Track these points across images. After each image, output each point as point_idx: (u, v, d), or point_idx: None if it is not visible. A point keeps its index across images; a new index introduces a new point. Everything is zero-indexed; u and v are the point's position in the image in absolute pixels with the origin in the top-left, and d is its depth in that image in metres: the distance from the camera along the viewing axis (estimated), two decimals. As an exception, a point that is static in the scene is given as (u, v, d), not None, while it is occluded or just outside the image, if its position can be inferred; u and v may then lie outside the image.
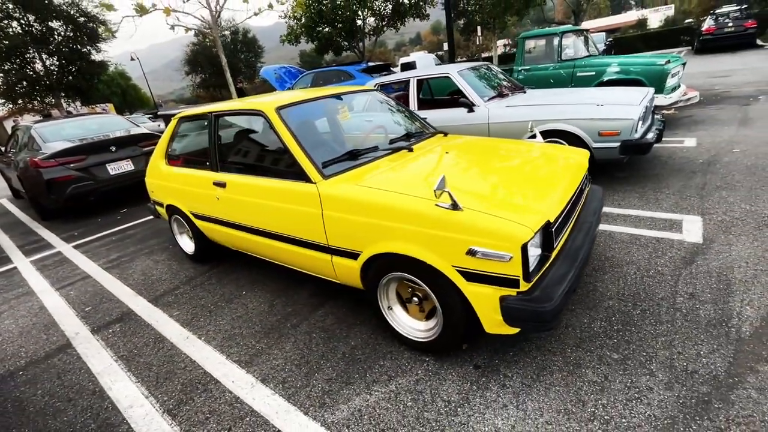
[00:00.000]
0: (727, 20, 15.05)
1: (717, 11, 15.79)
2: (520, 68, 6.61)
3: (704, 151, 4.44)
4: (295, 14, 14.87)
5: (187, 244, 3.49)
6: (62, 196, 5.11)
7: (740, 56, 13.28)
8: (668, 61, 5.34)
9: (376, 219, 1.80)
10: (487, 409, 1.59)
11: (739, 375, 1.58)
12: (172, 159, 3.24)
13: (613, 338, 1.87)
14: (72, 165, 5.20)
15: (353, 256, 1.99)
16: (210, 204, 2.79)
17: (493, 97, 4.37)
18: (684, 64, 6.10)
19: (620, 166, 4.14)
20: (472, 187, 1.86)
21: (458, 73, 4.45)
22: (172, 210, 3.33)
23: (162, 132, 6.13)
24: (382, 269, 1.90)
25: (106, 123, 6.57)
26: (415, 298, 1.92)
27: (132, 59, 37.45)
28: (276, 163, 2.41)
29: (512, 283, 1.52)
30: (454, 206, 1.59)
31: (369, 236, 1.86)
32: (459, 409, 1.61)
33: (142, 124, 10.22)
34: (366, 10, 14.96)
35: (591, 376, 1.68)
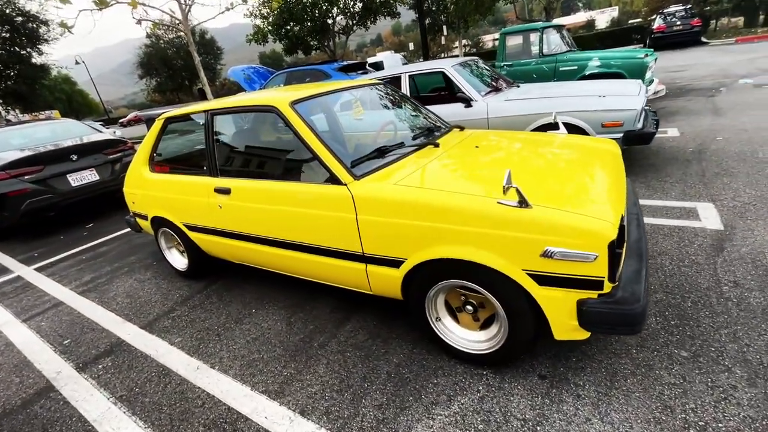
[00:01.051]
0: (674, 19, 16.07)
1: (665, 11, 16.83)
2: (502, 64, 6.62)
3: (690, 140, 4.59)
4: (262, 13, 14.31)
5: (178, 260, 3.13)
6: (16, 212, 4.52)
7: (689, 52, 14.21)
8: (647, 55, 5.50)
9: (427, 221, 1.61)
10: (570, 425, 1.44)
11: (816, 364, 1.53)
12: (158, 165, 2.88)
13: (674, 334, 1.78)
14: (27, 177, 4.61)
15: (394, 264, 1.79)
16: (209, 214, 2.49)
17: (489, 92, 4.29)
18: (656, 59, 6.34)
19: (617, 157, 4.18)
20: (525, 182, 1.71)
21: (452, 68, 4.33)
22: (159, 222, 2.97)
23: (118, 139, 5.61)
24: (433, 277, 1.71)
25: (62, 129, 5.94)
26: (469, 307, 1.75)
27: (77, 63, 34.90)
28: (293, 164, 2.16)
29: (594, 285, 1.38)
30: (522, 203, 1.43)
31: (416, 241, 1.66)
32: (539, 428, 1.45)
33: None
34: (336, 8, 14.64)
35: (668, 377, 1.57)
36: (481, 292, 1.62)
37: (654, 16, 18.18)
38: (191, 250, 2.85)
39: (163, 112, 2.86)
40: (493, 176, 1.75)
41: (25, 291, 3.39)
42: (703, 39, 16.29)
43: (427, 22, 21.94)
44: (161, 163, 2.89)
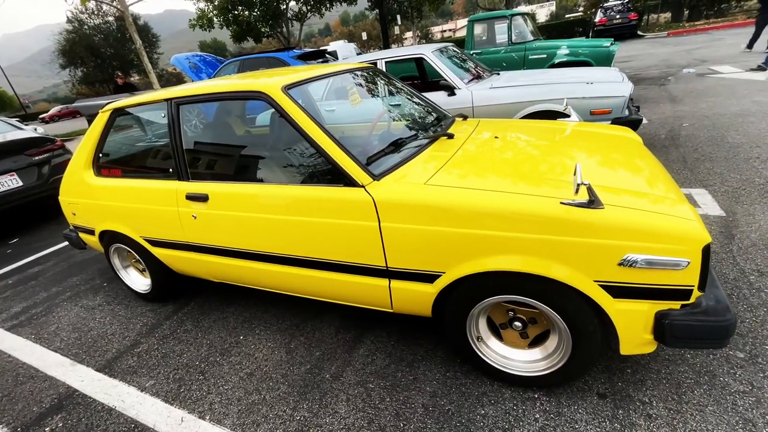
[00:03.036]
0: (614, 13, 17.01)
1: (605, 5, 17.76)
2: (471, 52, 6.49)
3: (659, 126, 4.72)
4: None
5: (138, 281, 2.62)
6: None
7: (629, 44, 15.10)
8: (612, 44, 5.61)
9: (473, 228, 1.34)
10: (653, 455, 1.26)
11: None
12: (105, 167, 2.35)
13: (722, 333, 1.67)
14: (-77, 186, 3.74)
15: (427, 278, 1.51)
16: (179, 225, 2.04)
17: (472, 80, 4.10)
18: (617, 48, 6.52)
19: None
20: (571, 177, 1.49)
21: (433, 54, 4.08)
22: (110, 237, 2.45)
23: (45, 137, 4.77)
24: (478, 293, 1.45)
25: (-32, 127, 4.94)
26: (518, 323, 1.52)
27: (-18, 50, 30.53)
28: (291, 162, 1.79)
29: (681, 295, 1.20)
30: (593, 203, 1.20)
31: (457, 252, 1.40)
32: (619, 462, 1.26)
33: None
34: (287, -8, 13.80)
35: (735, 385, 1.45)
36: (538, 308, 1.39)
37: (594, 10, 19.17)
38: (155, 268, 2.38)
39: (107, 102, 2.32)
40: (540, 171, 1.51)
41: (-68, 331, 2.69)
42: (639, 32, 17.42)
43: (376, 12, 21.60)
44: (110, 164, 2.36)
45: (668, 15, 22.22)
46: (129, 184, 2.21)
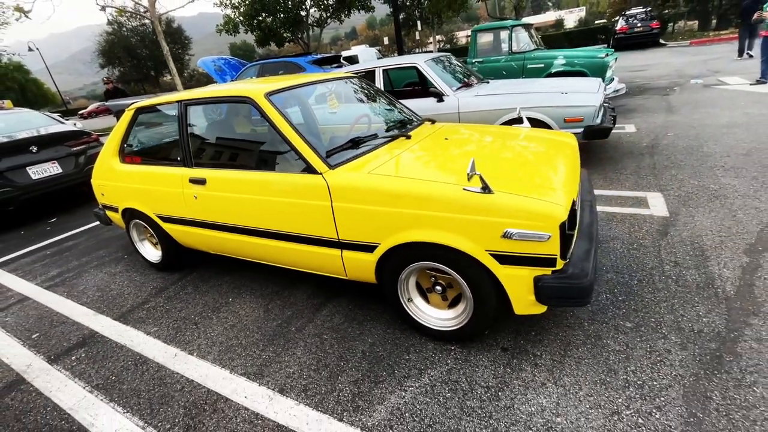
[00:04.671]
0: (635, 21, 16.88)
1: (627, 12, 17.63)
2: (473, 60, 6.81)
3: (644, 135, 4.92)
4: (233, 2, 13.91)
5: (151, 252, 3.11)
6: (-28, 206, 4.30)
7: (649, 53, 14.98)
8: (607, 54, 5.82)
9: (399, 208, 1.71)
10: (528, 390, 1.60)
11: (737, 330, 1.75)
12: (128, 156, 2.84)
13: (621, 309, 1.98)
14: (-18, 170, 4.39)
15: (368, 249, 1.88)
16: (183, 204, 2.50)
17: (460, 87, 4.44)
18: (616, 58, 6.70)
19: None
20: (489, 171, 1.84)
21: (425, 63, 4.45)
22: (130, 214, 2.94)
23: (82, 131, 5.39)
24: (404, 260, 1.82)
25: (17, 120, 5.61)
26: (438, 287, 1.87)
27: (30, 49, 32.72)
28: (269, 154, 2.21)
29: (548, 262, 1.53)
30: (485, 189, 1.55)
31: (389, 226, 1.77)
32: (500, 393, 1.60)
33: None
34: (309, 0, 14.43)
35: (613, 345, 1.76)
36: (449, 273, 1.74)
37: (617, 18, 19.01)
38: (165, 241, 2.85)
39: (132, 103, 2.82)
40: (461, 166, 1.87)
41: (-14, 287, 3.26)
42: (662, 41, 17.19)
43: (401, 17, 22.05)
44: (132, 154, 2.85)
45: (695, 23, 21.73)
46: (146, 169, 2.69)
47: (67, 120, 7.14)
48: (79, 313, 2.65)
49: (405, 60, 4.73)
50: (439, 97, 4.26)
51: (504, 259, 1.58)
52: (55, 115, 6.48)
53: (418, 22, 20.06)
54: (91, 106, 36.44)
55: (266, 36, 14.34)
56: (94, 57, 36.12)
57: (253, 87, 2.21)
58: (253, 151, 2.32)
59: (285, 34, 15.06)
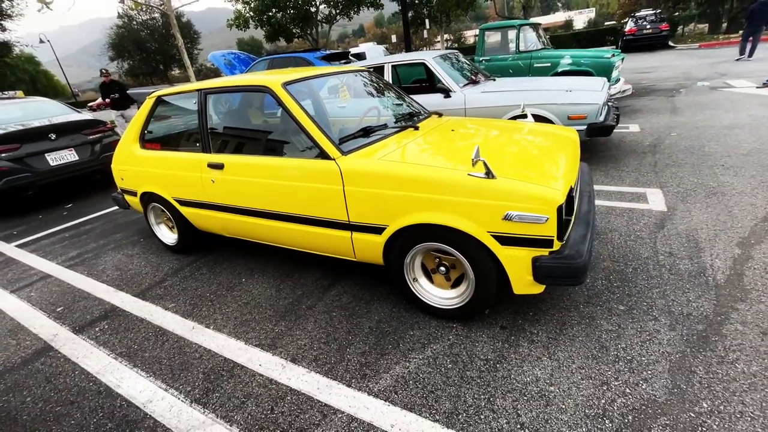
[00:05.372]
0: (645, 23, 16.83)
1: (636, 14, 17.57)
2: (481, 58, 6.89)
3: (648, 134, 4.99)
4: (244, -2, 14.09)
5: (167, 235, 3.25)
6: (-7, 190, 4.47)
7: (657, 55, 14.95)
8: (613, 55, 5.89)
9: (407, 191, 1.83)
10: (524, 362, 1.71)
11: (724, 313, 1.85)
12: (148, 142, 2.98)
13: (615, 293, 2.09)
14: (3, 155, 4.55)
15: (377, 230, 2.00)
16: (201, 188, 2.63)
17: (467, 84, 4.54)
18: (623, 59, 6.76)
19: (582, 147, 4.53)
20: (493, 159, 1.95)
21: (433, 60, 4.55)
22: (148, 198, 3.07)
23: (98, 120, 5.54)
24: (410, 241, 1.94)
25: (34, 108, 5.78)
26: (442, 268, 1.99)
27: (41, 41, 33.05)
28: (285, 140, 2.34)
29: (546, 243, 1.64)
30: (489, 174, 1.67)
31: (397, 209, 1.89)
32: (498, 365, 1.71)
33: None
34: (319, -4, 14.58)
35: (606, 325, 1.87)
36: (453, 254, 1.86)
37: (626, 19, 18.96)
38: (181, 224, 2.98)
39: (152, 91, 2.95)
40: (466, 155, 1.98)
41: (9, 266, 3.42)
42: (671, 43, 17.13)
43: (409, 15, 22.09)
44: (152, 140, 2.99)
45: (705, 26, 21.60)
46: (166, 154, 2.82)
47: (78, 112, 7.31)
48: (100, 290, 2.80)
49: (413, 56, 4.84)
50: (446, 93, 4.37)
51: (505, 240, 1.69)
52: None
53: (427, 21, 20.10)
54: (99, 100, 36.82)
55: (276, 31, 14.48)
56: (104, 50, 36.44)
57: (271, 77, 2.33)
58: (268, 138, 2.45)
59: (294, 30, 15.21)
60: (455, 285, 2.01)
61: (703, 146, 4.27)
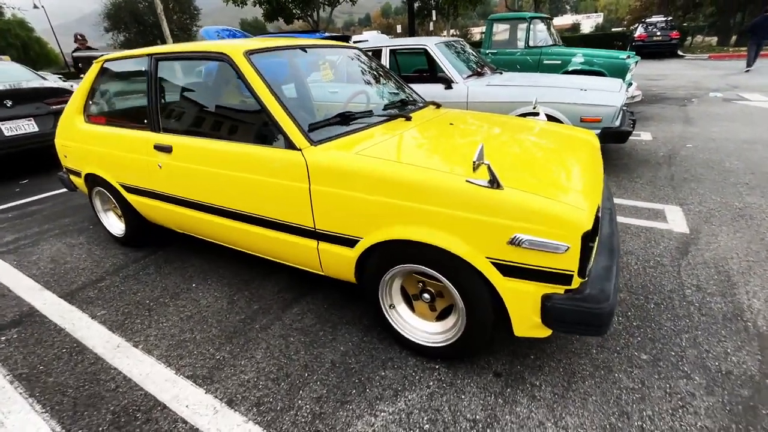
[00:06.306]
0: (655, 29, 16.42)
1: (648, 20, 17.15)
2: (487, 51, 6.45)
3: (661, 144, 4.62)
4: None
5: (115, 225, 2.81)
6: (-67, 159, 3.97)
7: (666, 63, 14.60)
8: (629, 57, 5.49)
9: (388, 197, 1.42)
10: (522, 429, 1.33)
11: (773, 375, 1.48)
12: (93, 115, 2.53)
13: (635, 336, 1.71)
14: (-53, 120, 4.05)
15: (349, 242, 1.60)
16: (148, 173, 2.19)
17: (471, 75, 4.12)
18: (637, 62, 6.36)
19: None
20: (499, 164, 1.54)
21: (436, 46, 4.12)
22: (93, 180, 2.63)
23: (64, 88, 5.03)
24: (389, 260, 1.53)
25: (-5, 71, 5.23)
26: (426, 295, 1.59)
27: (35, 6, 31.83)
28: (244, 122, 1.91)
29: (562, 279, 1.25)
30: (493, 183, 1.26)
31: (374, 219, 1.48)
32: (488, 431, 1.33)
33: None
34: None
35: (626, 381, 1.49)
36: (440, 280, 1.46)
37: (636, 25, 18.53)
38: (129, 214, 2.55)
39: (101, 54, 2.49)
40: (465, 155, 1.58)
41: (-68, 248, 2.96)
42: (680, 52, 16.77)
43: (416, 5, 21.45)
44: (97, 113, 2.53)
45: (714, 39, 21.27)
46: (111, 131, 2.38)
47: (66, 82, 6.76)
48: (23, 286, 2.36)
49: (414, 41, 4.39)
50: (448, 83, 3.94)
51: (508, 270, 1.30)
52: (54, 76, 6.10)
53: (434, 12, 19.52)
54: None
55: (274, 10, 13.79)
56: (100, 20, 35.20)
57: (233, 43, 1.89)
58: (226, 118, 2.01)
59: (294, 10, 14.53)
60: (441, 317, 1.62)
61: (722, 161, 3.91)
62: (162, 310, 2.06)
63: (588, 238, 1.20)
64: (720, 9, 20.58)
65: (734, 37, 19.71)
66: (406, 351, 1.68)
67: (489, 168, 1.25)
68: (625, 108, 4.45)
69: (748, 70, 10.70)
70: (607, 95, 3.45)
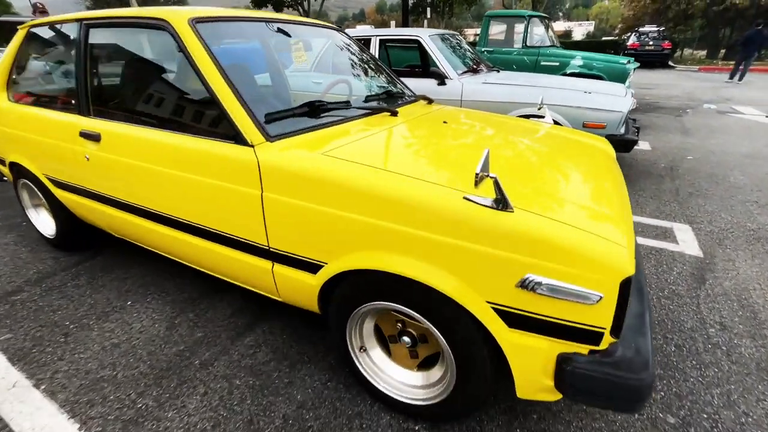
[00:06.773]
0: (647, 39, 16.46)
1: (640, 29, 17.19)
2: (483, 49, 6.15)
3: (661, 155, 4.40)
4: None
5: (46, 222, 2.39)
6: None
7: (657, 73, 14.61)
8: (629, 62, 5.27)
9: (359, 214, 1.08)
10: None
11: (829, 450, 1.20)
12: (18, 93, 2.11)
13: (658, 390, 1.41)
14: None
15: (310, 267, 1.25)
16: (74, 165, 1.80)
17: (466, 71, 3.80)
18: (635, 69, 6.16)
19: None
20: (507, 175, 1.21)
21: (430, 38, 3.78)
22: (18, 171, 2.21)
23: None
24: (359, 294, 1.19)
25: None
26: (406, 338, 1.25)
27: (12, -20, 30.32)
28: (187, 108, 1.53)
29: (588, 337, 0.93)
30: (501, 203, 0.93)
31: (342, 240, 1.14)
32: None
33: None
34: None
35: (653, 456, 1.18)
36: (424, 324, 1.13)
37: (629, 34, 18.58)
38: (59, 211, 2.14)
39: (29, 19, 2.07)
40: (462, 161, 1.24)
41: None
42: (670, 63, 16.86)
43: (411, 1, 21.08)
44: (22, 89, 2.11)
45: (704, 53, 21.55)
46: (35, 112, 1.96)
47: None
48: None
49: (407, 31, 4.05)
50: (441, 79, 3.61)
51: (515, 320, 0.97)
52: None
53: (428, 9, 19.19)
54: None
55: (262, -4, 13.25)
56: (82, -2, 33.67)
57: (176, 9, 1.51)
58: (164, 101, 1.63)
59: (284, -1, 14.02)
60: (425, 365, 1.28)
61: (726, 176, 3.69)
62: (83, 336, 1.67)
63: (628, 286, 0.88)
64: (710, 22, 20.83)
65: (723, 51, 19.98)
66: (379, 404, 1.35)
67: (496, 183, 0.92)
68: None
69: (729, 81, 10.92)
70: (612, 99, 3.17)
